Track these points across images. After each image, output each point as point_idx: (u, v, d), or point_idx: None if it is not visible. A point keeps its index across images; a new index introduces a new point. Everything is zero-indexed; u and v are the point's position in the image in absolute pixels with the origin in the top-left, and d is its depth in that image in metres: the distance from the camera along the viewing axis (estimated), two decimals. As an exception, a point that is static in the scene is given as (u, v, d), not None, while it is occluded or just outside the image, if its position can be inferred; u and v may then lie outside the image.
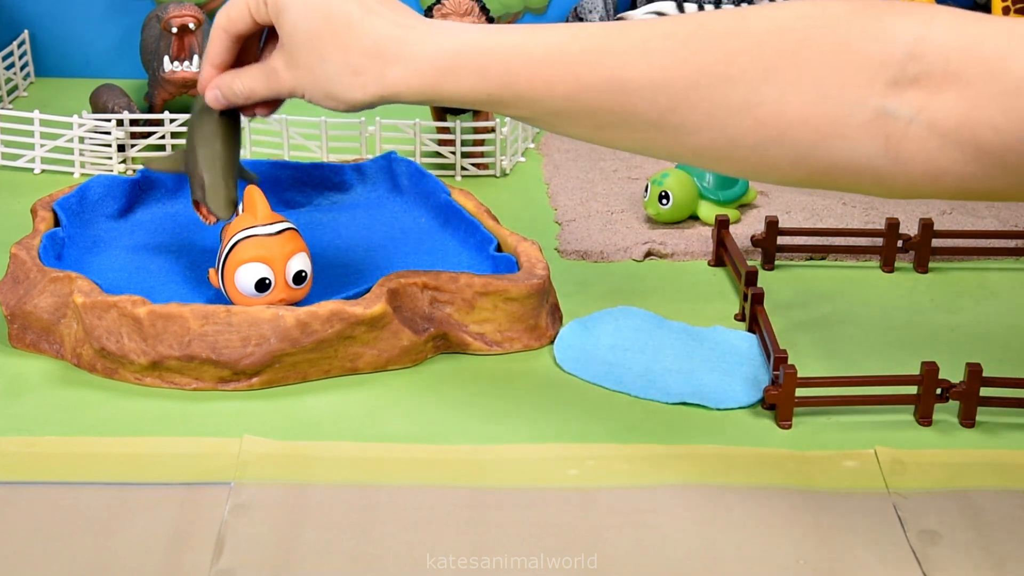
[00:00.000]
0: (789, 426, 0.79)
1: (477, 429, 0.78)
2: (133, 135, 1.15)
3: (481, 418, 0.79)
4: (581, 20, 1.30)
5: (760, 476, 0.74)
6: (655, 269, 0.99)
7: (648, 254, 1.01)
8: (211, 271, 0.85)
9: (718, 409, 0.80)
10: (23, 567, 0.66)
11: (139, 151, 1.14)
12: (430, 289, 0.85)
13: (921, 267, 0.99)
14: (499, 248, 0.91)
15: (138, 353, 0.80)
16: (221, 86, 0.79)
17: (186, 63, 1.15)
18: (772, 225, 0.98)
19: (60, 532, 0.68)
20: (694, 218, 1.05)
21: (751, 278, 0.90)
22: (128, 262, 0.91)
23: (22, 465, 0.74)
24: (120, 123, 1.13)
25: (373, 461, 0.75)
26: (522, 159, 1.19)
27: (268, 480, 0.73)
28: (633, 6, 1.32)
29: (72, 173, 1.13)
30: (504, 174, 1.16)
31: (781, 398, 0.79)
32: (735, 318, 0.91)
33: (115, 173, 1.11)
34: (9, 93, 1.30)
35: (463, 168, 1.15)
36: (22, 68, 1.33)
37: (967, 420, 0.79)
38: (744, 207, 1.07)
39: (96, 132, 1.12)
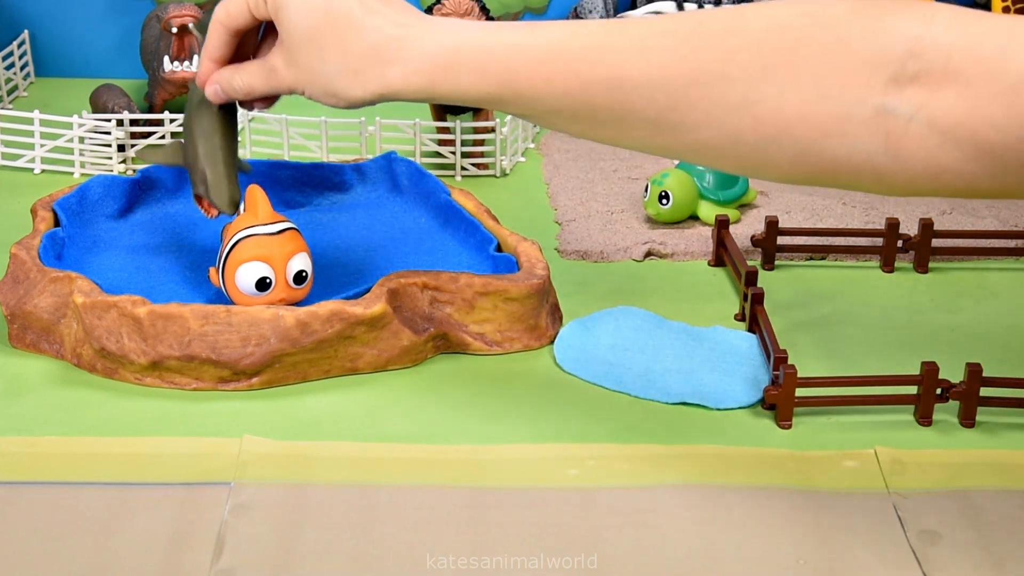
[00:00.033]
0: (789, 426, 0.79)
1: (477, 429, 0.78)
2: (133, 135, 1.15)
3: (481, 418, 0.79)
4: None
5: (760, 476, 0.74)
6: (655, 269, 0.99)
7: (648, 254, 1.01)
8: (212, 270, 0.85)
9: (718, 409, 0.80)
10: (23, 567, 0.66)
11: (139, 151, 1.14)
12: (430, 289, 0.85)
13: (921, 267, 0.99)
14: (499, 248, 0.91)
15: (138, 353, 0.80)
16: (220, 81, 0.79)
17: (186, 63, 1.15)
18: (772, 225, 0.98)
19: (60, 532, 0.68)
20: (694, 218, 1.05)
21: (751, 278, 0.90)
22: (128, 262, 0.91)
23: (22, 465, 0.74)
24: (120, 123, 1.13)
25: (373, 461, 0.75)
26: (522, 159, 1.19)
27: (268, 480, 0.73)
28: (633, 6, 1.32)
29: (72, 173, 1.13)
30: (504, 174, 1.16)
31: (781, 398, 0.79)
32: (735, 318, 0.91)
33: (115, 173, 1.11)
34: (9, 93, 1.30)
35: (463, 168, 1.15)
36: (22, 68, 1.33)
37: (967, 420, 0.79)
38: (744, 207, 1.07)
39: (96, 132, 1.12)
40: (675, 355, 0.85)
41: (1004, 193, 0.63)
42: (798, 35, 0.63)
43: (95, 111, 1.17)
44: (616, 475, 0.74)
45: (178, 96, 1.18)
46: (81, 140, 1.13)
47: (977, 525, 0.70)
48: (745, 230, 1.03)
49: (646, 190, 1.03)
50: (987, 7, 1.27)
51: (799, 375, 0.78)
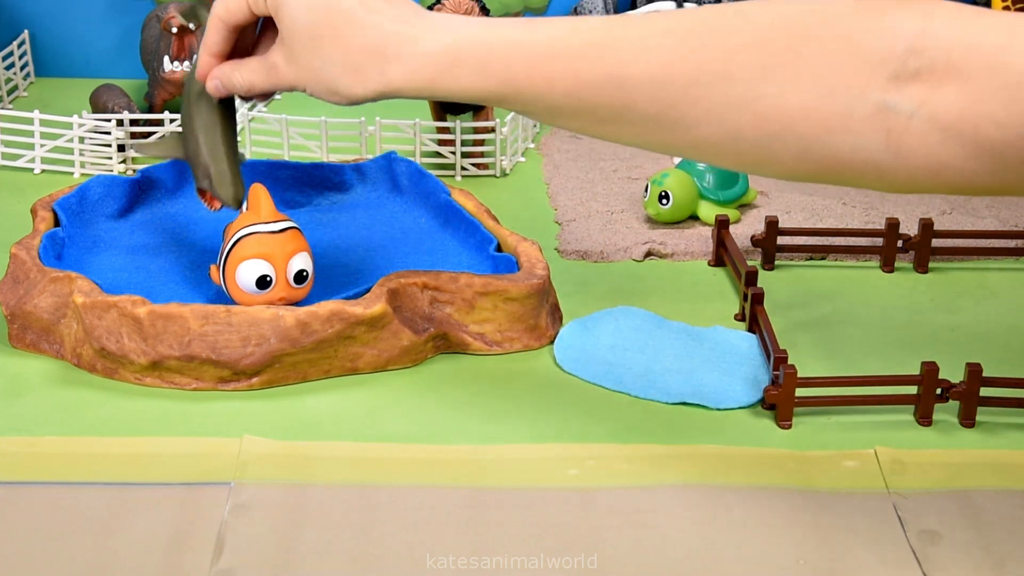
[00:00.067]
0: (789, 426, 0.79)
1: (477, 429, 0.78)
2: (133, 135, 1.15)
3: (481, 418, 0.79)
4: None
5: (760, 476, 0.74)
6: (655, 269, 0.99)
7: (648, 254, 1.01)
8: (212, 267, 0.85)
9: (718, 409, 0.80)
10: (23, 567, 0.66)
11: (138, 147, 1.14)
12: (430, 289, 0.85)
13: (921, 267, 0.99)
14: (499, 248, 0.91)
15: (138, 353, 0.80)
16: (221, 77, 0.79)
17: (186, 63, 1.15)
18: (772, 225, 0.98)
19: (60, 532, 0.68)
20: (694, 218, 1.05)
21: (751, 278, 0.90)
22: (128, 262, 0.91)
23: (22, 465, 0.74)
24: (120, 123, 1.13)
25: (373, 461, 0.75)
26: (522, 159, 1.19)
27: (268, 480, 0.73)
28: (633, 6, 1.32)
29: (72, 173, 1.13)
30: (504, 174, 1.16)
31: (781, 398, 0.79)
32: (735, 318, 0.91)
33: (115, 173, 1.11)
34: (9, 93, 1.30)
35: (463, 168, 1.15)
36: (22, 68, 1.33)
37: (967, 420, 0.79)
38: (744, 207, 1.07)
39: (96, 132, 1.12)
40: (675, 355, 0.85)
41: (1005, 190, 0.63)
42: (799, 33, 0.63)
43: (95, 111, 1.17)
44: (616, 475, 0.74)
45: (178, 96, 1.18)
46: (81, 140, 1.13)
47: (977, 525, 0.70)
48: (745, 230, 1.03)
49: (646, 190, 1.03)
50: (987, 4, 1.27)
51: (799, 375, 0.78)
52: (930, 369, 0.78)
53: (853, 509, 0.71)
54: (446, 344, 0.86)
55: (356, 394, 0.82)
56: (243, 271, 0.81)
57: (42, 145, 1.13)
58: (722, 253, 0.98)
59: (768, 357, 0.82)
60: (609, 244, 1.01)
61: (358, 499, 0.71)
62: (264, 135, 1.16)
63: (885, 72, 0.61)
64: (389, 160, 1.02)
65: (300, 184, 1.01)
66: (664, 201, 1.02)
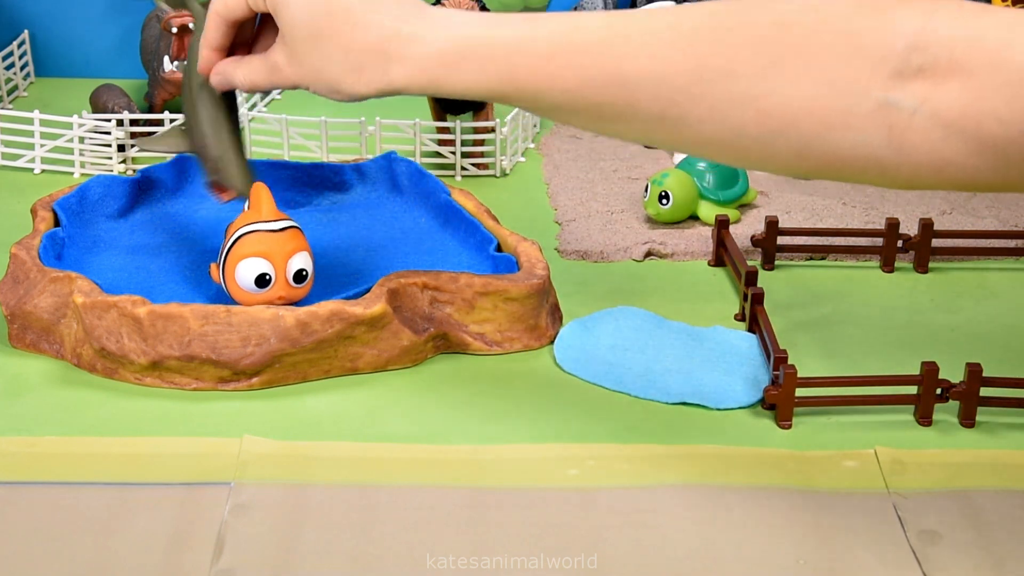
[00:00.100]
0: (789, 426, 0.79)
1: (477, 429, 0.78)
2: (133, 135, 1.15)
3: (481, 418, 0.79)
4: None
5: (760, 476, 0.74)
6: (655, 269, 0.99)
7: (648, 254, 1.01)
8: (212, 266, 0.85)
9: (718, 409, 0.80)
10: (23, 567, 0.66)
11: (139, 151, 1.14)
12: (430, 289, 0.85)
13: (921, 267, 0.99)
14: (499, 248, 0.91)
15: (138, 353, 0.80)
16: (224, 74, 0.79)
17: (186, 63, 1.15)
18: (772, 225, 0.98)
19: (60, 532, 0.68)
20: (694, 218, 1.05)
21: (751, 278, 0.90)
22: (128, 262, 0.91)
23: (22, 465, 0.74)
24: (120, 123, 1.13)
25: (373, 461, 0.75)
26: (522, 159, 1.19)
27: (268, 480, 0.72)
28: (633, 6, 1.32)
29: (72, 173, 1.13)
30: (504, 174, 1.16)
31: (781, 398, 0.79)
32: (735, 318, 0.91)
33: (115, 173, 1.11)
34: (9, 93, 1.30)
35: (463, 168, 1.15)
36: (22, 68, 1.33)
37: (967, 420, 0.79)
38: (744, 207, 1.07)
39: (96, 132, 1.12)
40: (675, 355, 0.85)
41: (1007, 186, 0.63)
42: (802, 30, 0.63)
43: (95, 111, 1.17)
44: (616, 475, 0.74)
45: (178, 96, 1.18)
46: (81, 140, 1.13)
47: (977, 525, 0.70)
48: (745, 230, 1.03)
49: (646, 190, 1.03)
50: (988, 1, 1.27)
51: (799, 375, 0.78)
52: (930, 369, 0.78)
53: (853, 509, 0.71)
54: (446, 344, 0.86)
55: (356, 394, 0.82)
56: (242, 269, 0.81)
57: (42, 145, 1.13)
58: (722, 253, 0.98)
59: (768, 357, 0.82)
60: (609, 244, 1.01)
61: (358, 499, 0.71)
62: (264, 135, 1.16)
63: (887, 69, 0.61)
64: (389, 160, 1.02)
65: (300, 184, 1.01)
66: (664, 201, 1.02)
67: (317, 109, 1.18)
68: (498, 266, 0.89)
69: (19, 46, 1.32)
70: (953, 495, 0.72)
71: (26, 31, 1.34)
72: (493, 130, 1.14)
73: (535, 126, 1.24)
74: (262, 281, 0.82)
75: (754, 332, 0.87)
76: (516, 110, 1.16)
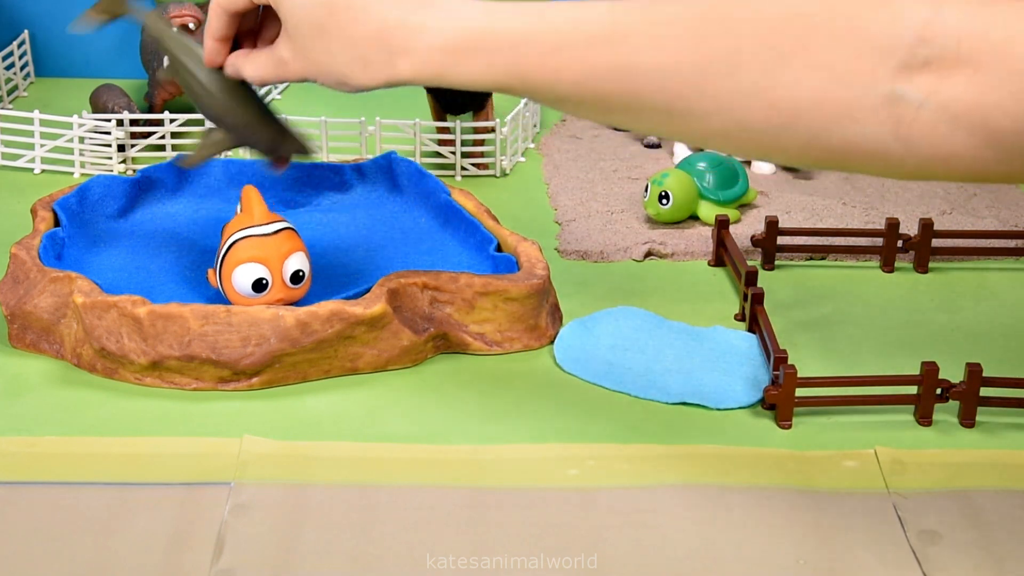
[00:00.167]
0: (789, 426, 0.79)
1: (477, 429, 0.78)
2: (133, 135, 1.15)
3: (481, 418, 0.79)
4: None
5: (760, 476, 0.74)
6: (655, 269, 0.99)
7: (648, 254, 1.01)
8: (209, 271, 0.85)
9: (718, 409, 0.80)
10: (23, 567, 0.66)
11: (139, 151, 1.14)
12: (430, 289, 0.85)
13: (921, 267, 0.99)
14: (499, 248, 0.91)
15: (138, 353, 0.80)
16: (234, 66, 0.79)
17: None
18: (772, 225, 0.98)
19: (60, 532, 0.68)
20: (694, 218, 1.05)
21: (751, 278, 0.90)
22: (128, 262, 0.91)
23: (22, 465, 0.74)
24: (120, 123, 1.13)
25: (373, 461, 0.75)
26: (522, 159, 1.19)
27: (268, 480, 0.72)
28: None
29: (72, 173, 1.13)
30: (504, 174, 1.16)
31: (781, 398, 0.79)
32: (735, 318, 0.91)
33: (115, 173, 1.11)
34: (9, 93, 1.30)
35: (463, 168, 1.15)
36: (22, 68, 1.33)
37: (967, 420, 0.79)
38: (744, 207, 1.07)
39: (96, 132, 1.12)
40: (675, 355, 0.85)
41: (1014, 178, 0.63)
42: (808, 22, 0.63)
43: (95, 111, 1.17)
44: (616, 475, 0.74)
45: (178, 96, 1.18)
46: (81, 140, 1.13)
47: (977, 525, 0.70)
48: (745, 230, 1.03)
49: (646, 190, 1.03)
50: None
51: (799, 375, 0.78)
52: (930, 369, 0.78)
53: (853, 509, 0.71)
54: (446, 344, 0.86)
55: (356, 394, 0.82)
56: (239, 275, 0.82)
57: (42, 145, 1.13)
58: (722, 253, 0.98)
59: (768, 357, 0.82)
60: (609, 244, 1.01)
61: (358, 499, 0.71)
62: (264, 135, 1.16)
63: (894, 62, 0.61)
64: (389, 160, 1.02)
65: (300, 184, 1.01)
66: (664, 201, 1.02)
67: (317, 109, 1.18)
68: (498, 266, 0.89)
69: (19, 46, 1.32)
70: (953, 495, 0.72)
71: (26, 31, 1.34)
72: (493, 130, 1.14)
73: (535, 126, 1.24)
74: (259, 286, 0.82)
75: (754, 332, 0.87)
76: (516, 110, 1.16)
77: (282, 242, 0.82)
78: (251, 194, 0.84)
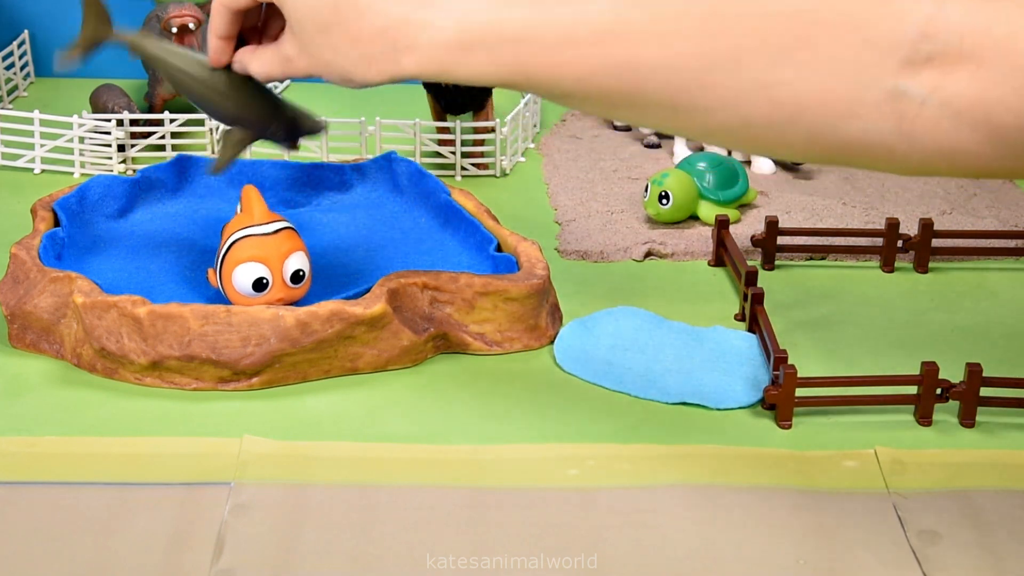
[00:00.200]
0: (789, 426, 0.79)
1: (477, 429, 0.78)
2: (133, 135, 1.15)
3: (481, 418, 0.79)
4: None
5: (760, 476, 0.74)
6: (655, 269, 0.99)
7: (648, 254, 1.01)
8: (209, 271, 0.85)
9: (718, 409, 0.80)
10: (23, 567, 0.66)
11: (139, 151, 1.14)
12: (430, 289, 0.85)
13: (921, 267, 0.99)
14: (499, 248, 0.91)
15: (138, 353, 0.80)
16: (241, 63, 0.79)
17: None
18: (772, 225, 0.98)
19: (60, 532, 0.68)
20: (694, 218, 1.05)
21: (751, 278, 0.90)
22: (128, 262, 0.91)
23: (22, 465, 0.74)
24: (120, 123, 1.13)
25: (373, 461, 0.75)
26: (522, 159, 1.19)
27: (268, 480, 0.72)
28: None
29: (72, 173, 1.13)
30: (504, 174, 1.16)
31: (781, 398, 0.79)
32: (735, 318, 0.91)
33: (115, 173, 1.11)
34: (9, 93, 1.30)
35: (463, 168, 1.15)
36: (22, 68, 1.33)
37: (967, 420, 0.79)
38: (744, 207, 1.07)
39: (96, 132, 1.12)
40: (675, 355, 0.85)
41: (1016, 174, 0.63)
42: (812, 18, 0.63)
43: (95, 111, 1.17)
44: (616, 475, 0.74)
45: (178, 96, 1.18)
46: (81, 140, 1.13)
47: (977, 525, 0.70)
48: (745, 230, 1.03)
49: (646, 190, 1.03)
50: None
51: (799, 375, 0.78)
52: (930, 369, 0.78)
53: (853, 509, 0.71)
54: (446, 344, 0.86)
55: (356, 394, 0.82)
56: (239, 275, 0.82)
57: (42, 145, 1.13)
58: (722, 253, 0.98)
59: (768, 357, 0.82)
60: (609, 244, 1.01)
61: (358, 499, 0.71)
62: (264, 135, 1.16)
63: (897, 58, 0.61)
64: (389, 160, 1.02)
65: (300, 184, 1.01)
66: (664, 201, 1.02)
67: (317, 109, 1.18)
68: (498, 266, 0.89)
69: (19, 46, 1.32)
70: (953, 495, 0.72)
71: (26, 31, 1.34)
72: (493, 130, 1.14)
73: (535, 126, 1.24)
74: (259, 285, 0.82)
75: (754, 332, 0.87)
76: (516, 110, 1.16)
77: (282, 242, 0.82)
78: (251, 194, 0.84)
